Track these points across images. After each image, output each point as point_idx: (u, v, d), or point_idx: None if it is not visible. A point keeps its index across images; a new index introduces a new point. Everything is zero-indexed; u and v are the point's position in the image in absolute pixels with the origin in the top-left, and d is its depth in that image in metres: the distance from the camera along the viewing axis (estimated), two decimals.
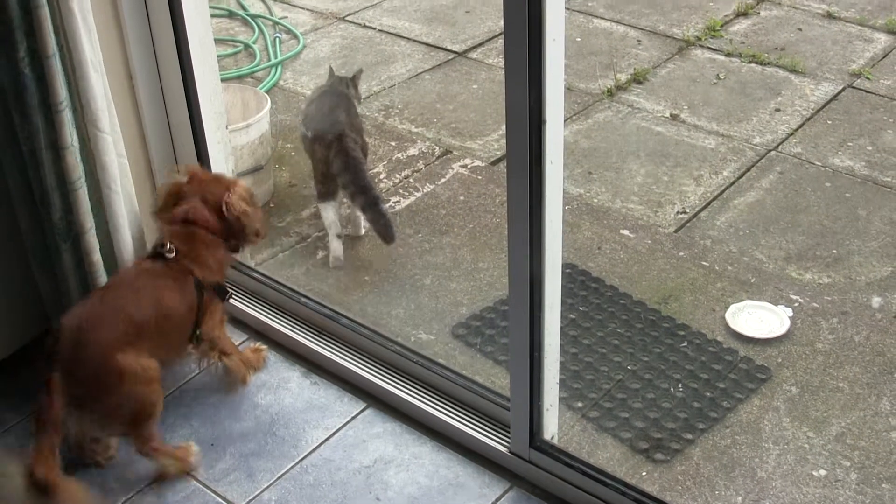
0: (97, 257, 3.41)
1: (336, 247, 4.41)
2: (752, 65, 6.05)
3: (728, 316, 4.01)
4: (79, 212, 3.31)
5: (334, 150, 4.35)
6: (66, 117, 3.17)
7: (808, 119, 5.47)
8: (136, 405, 3.13)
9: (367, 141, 4.70)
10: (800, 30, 6.51)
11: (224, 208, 3.38)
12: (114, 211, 3.44)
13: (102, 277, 3.44)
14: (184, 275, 3.30)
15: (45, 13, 3.02)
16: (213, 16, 6.17)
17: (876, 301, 4.13)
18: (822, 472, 3.36)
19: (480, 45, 6.33)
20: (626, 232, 4.55)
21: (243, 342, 3.77)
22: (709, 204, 4.74)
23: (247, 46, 6.32)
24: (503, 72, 2.63)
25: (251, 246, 3.69)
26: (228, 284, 3.62)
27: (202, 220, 3.36)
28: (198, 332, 3.40)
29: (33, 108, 3.14)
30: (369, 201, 4.32)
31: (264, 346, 3.76)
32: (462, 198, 4.80)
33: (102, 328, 3.08)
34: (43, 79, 3.11)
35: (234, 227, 3.41)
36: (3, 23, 3.03)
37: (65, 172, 3.25)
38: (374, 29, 6.60)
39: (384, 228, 4.33)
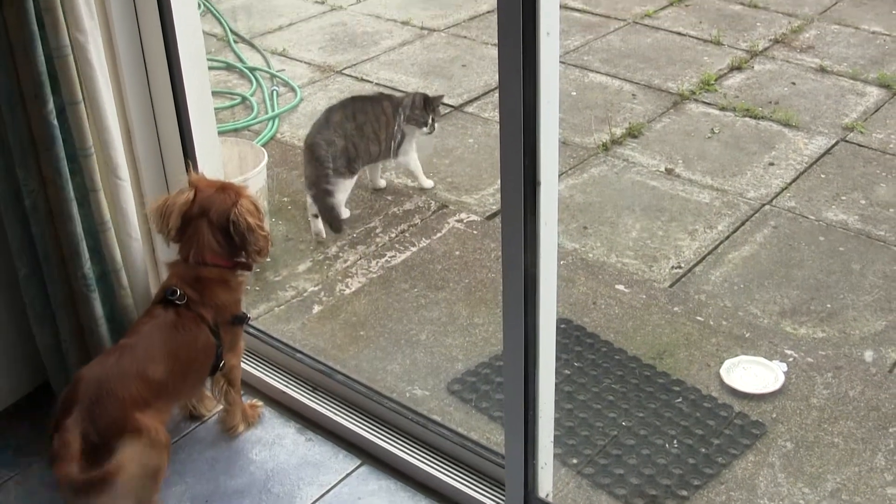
0: (129, 292, 3.46)
1: (315, 224, 5.02)
2: (747, 119, 6.08)
3: (723, 371, 4.02)
4: (111, 253, 3.36)
5: (307, 143, 5.06)
6: (94, 161, 3.23)
7: (802, 173, 5.49)
8: (145, 468, 3.11)
9: (365, 147, 5.13)
10: (793, 84, 6.55)
11: (230, 227, 3.31)
12: (133, 259, 3.47)
13: (134, 316, 3.49)
14: (196, 323, 3.29)
15: (71, 61, 3.08)
16: (210, 68, 6.21)
17: (870, 355, 4.14)
18: None
19: (476, 98, 6.36)
20: (621, 287, 4.56)
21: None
22: (703, 258, 4.75)
23: (244, 99, 6.35)
24: (499, 126, 2.65)
25: (256, 263, 3.57)
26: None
27: (210, 256, 3.31)
28: (221, 364, 3.42)
29: (61, 159, 3.17)
30: (318, 193, 4.95)
31: (261, 403, 3.76)
32: (458, 252, 4.82)
33: (122, 386, 3.08)
34: (69, 128, 3.16)
35: (238, 245, 3.35)
36: (31, 78, 3.07)
37: (95, 215, 3.30)
38: (371, 82, 6.64)
39: (330, 220, 4.99)
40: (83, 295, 3.39)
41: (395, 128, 5.17)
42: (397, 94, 5.30)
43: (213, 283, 3.33)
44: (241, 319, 3.48)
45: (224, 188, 3.38)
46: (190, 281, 3.30)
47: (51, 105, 3.09)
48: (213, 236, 3.31)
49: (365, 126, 5.09)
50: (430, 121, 5.19)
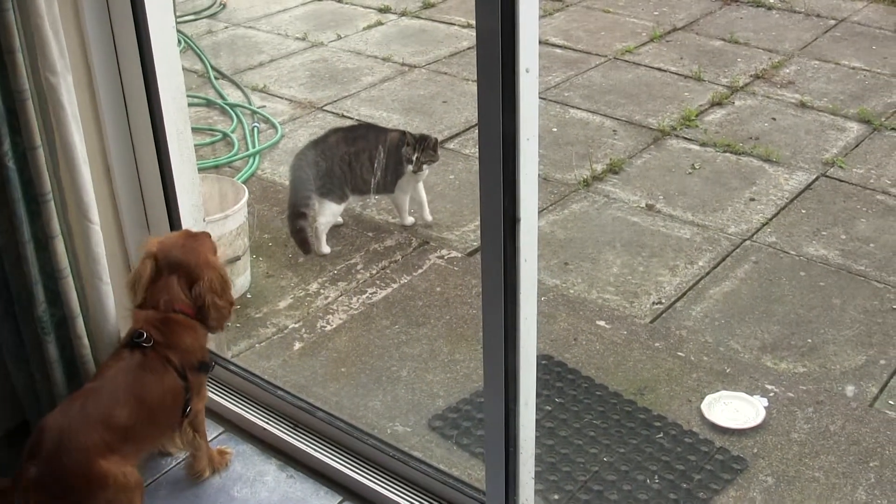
0: (86, 341, 3.41)
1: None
2: (727, 154, 6.11)
3: (704, 407, 4.02)
4: (68, 300, 3.31)
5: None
6: (53, 207, 3.18)
7: (783, 208, 5.51)
8: None
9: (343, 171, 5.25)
10: (774, 119, 6.58)
11: (193, 294, 3.30)
12: (102, 304, 3.43)
13: (90, 366, 3.44)
14: (164, 365, 3.23)
15: (31, 105, 3.04)
16: (190, 104, 6.19)
17: (850, 390, 4.14)
18: None
19: (457, 135, 6.37)
20: (602, 323, 4.56)
21: (219, 435, 3.75)
22: (684, 294, 4.76)
23: (225, 136, 6.34)
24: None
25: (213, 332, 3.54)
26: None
27: (180, 306, 3.28)
28: (188, 410, 3.36)
29: (17, 201, 3.13)
30: (290, 214, 5.16)
31: (231, 451, 3.69)
32: (439, 289, 4.82)
33: (86, 433, 3.03)
34: (27, 171, 3.12)
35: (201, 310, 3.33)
36: None
37: (52, 261, 3.25)
38: (352, 118, 6.65)
39: (298, 242, 5.12)
40: (41, 338, 3.37)
41: (394, 163, 5.22)
42: (410, 131, 5.33)
43: (180, 326, 3.28)
44: (207, 367, 3.43)
45: (193, 251, 3.36)
46: (157, 324, 3.25)
47: (6, 147, 3.07)
48: (183, 290, 3.29)
49: (362, 154, 5.13)
50: (414, 159, 5.18)
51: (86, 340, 3.42)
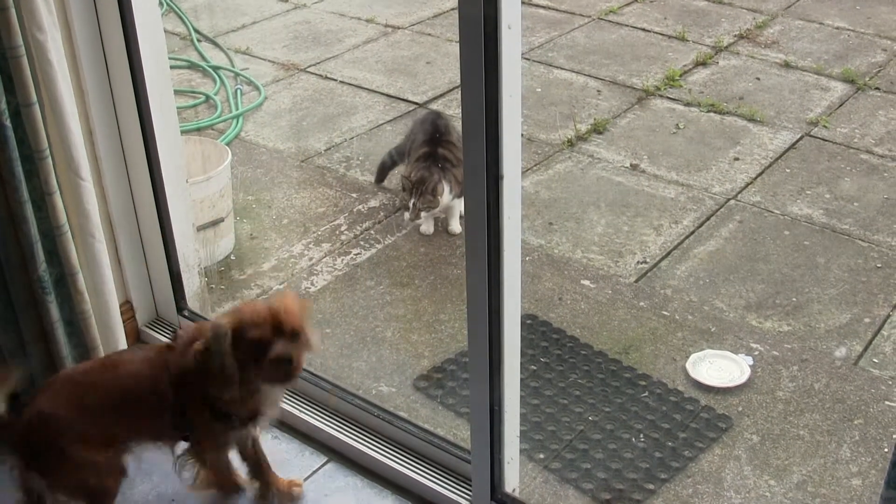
0: (87, 297, 3.41)
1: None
2: (711, 114, 6.10)
3: (689, 365, 4.03)
4: (67, 257, 3.31)
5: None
6: (50, 164, 3.18)
7: (767, 168, 5.51)
8: (89, 492, 3.07)
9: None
10: (758, 79, 6.57)
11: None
12: (97, 261, 3.43)
13: (91, 321, 3.45)
14: (159, 368, 3.04)
15: (25, 63, 3.04)
16: (173, 67, 6.17)
17: (835, 348, 4.15)
18: None
19: (441, 96, 6.35)
20: (586, 282, 4.56)
21: None
22: (669, 253, 4.76)
23: (208, 98, 6.31)
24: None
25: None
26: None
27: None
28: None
29: (14, 160, 3.12)
30: (390, 151, 5.46)
31: (301, 482, 3.41)
32: (423, 249, 4.81)
33: (68, 414, 2.99)
34: (23, 129, 3.11)
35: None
36: None
37: (51, 218, 3.25)
38: (336, 80, 6.63)
39: (377, 171, 5.47)
40: (40, 298, 3.36)
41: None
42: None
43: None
44: (224, 415, 3.11)
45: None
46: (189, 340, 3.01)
47: (3, 105, 3.05)
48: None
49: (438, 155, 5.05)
50: (411, 205, 4.89)
51: (87, 296, 3.42)
